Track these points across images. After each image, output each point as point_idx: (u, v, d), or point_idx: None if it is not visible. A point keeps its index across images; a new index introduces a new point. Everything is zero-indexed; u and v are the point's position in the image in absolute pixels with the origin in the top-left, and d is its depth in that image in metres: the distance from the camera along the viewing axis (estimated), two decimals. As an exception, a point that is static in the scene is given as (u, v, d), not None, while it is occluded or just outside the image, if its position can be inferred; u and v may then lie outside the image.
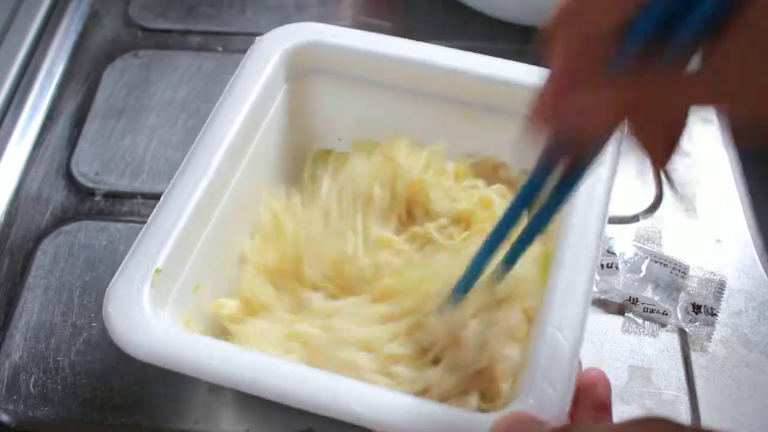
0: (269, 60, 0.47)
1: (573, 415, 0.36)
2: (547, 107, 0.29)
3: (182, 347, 0.36)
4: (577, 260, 0.39)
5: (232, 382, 0.36)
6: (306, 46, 0.49)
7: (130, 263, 0.39)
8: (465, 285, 0.40)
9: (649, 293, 0.52)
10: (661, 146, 0.30)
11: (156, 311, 0.38)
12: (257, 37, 0.49)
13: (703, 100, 0.26)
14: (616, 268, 0.52)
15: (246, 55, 0.48)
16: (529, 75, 0.47)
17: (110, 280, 0.38)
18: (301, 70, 0.50)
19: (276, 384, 0.35)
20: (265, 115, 0.48)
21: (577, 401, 0.36)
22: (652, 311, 0.51)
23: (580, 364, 0.37)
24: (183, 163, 0.43)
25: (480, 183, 0.49)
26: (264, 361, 0.36)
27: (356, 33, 0.49)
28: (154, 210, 0.41)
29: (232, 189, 0.45)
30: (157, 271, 0.39)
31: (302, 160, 0.53)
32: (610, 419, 0.38)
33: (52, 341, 0.50)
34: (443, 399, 0.39)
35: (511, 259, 0.39)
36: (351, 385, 0.35)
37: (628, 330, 0.51)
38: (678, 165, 0.60)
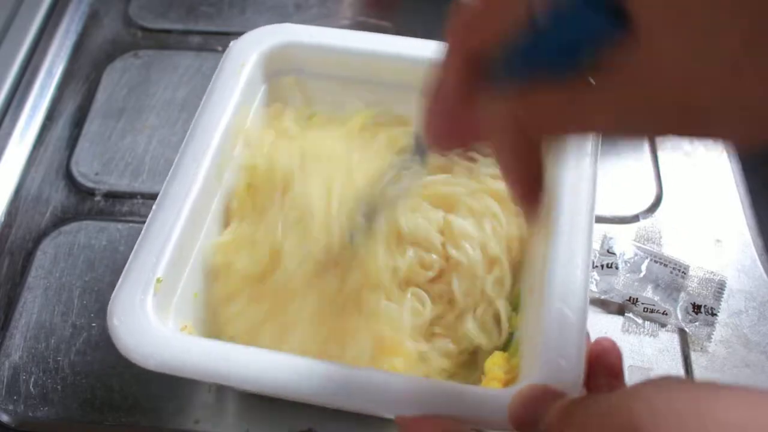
0: (246, 63, 0.48)
1: (588, 385, 0.37)
2: (439, 120, 0.30)
3: (193, 353, 0.36)
4: (573, 232, 0.40)
5: (247, 384, 0.36)
6: (281, 48, 0.49)
7: (131, 274, 0.39)
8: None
9: (649, 293, 0.52)
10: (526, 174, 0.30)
11: (161, 320, 0.38)
12: (232, 41, 0.49)
13: (591, 126, 0.26)
14: (616, 268, 0.52)
15: (222, 58, 0.48)
16: None
17: (110, 280, 0.39)
18: (277, 70, 0.50)
19: (290, 380, 0.35)
20: (246, 118, 0.48)
21: (590, 371, 0.37)
22: (652, 311, 0.51)
23: (588, 335, 0.37)
24: (171, 170, 0.42)
25: None
26: (278, 359, 0.36)
27: (331, 31, 0.50)
28: (148, 220, 0.41)
29: (219, 195, 0.45)
30: (158, 280, 0.39)
31: None
32: (624, 386, 0.38)
33: (52, 341, 0.50)
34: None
35: None
36: (363, 374, 0.36)
37: (628, 330, 0.51)
38: (678, 165, 0.60)
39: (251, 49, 0.48)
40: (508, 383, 0.40)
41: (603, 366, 0.37)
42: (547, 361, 0.36)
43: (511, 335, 0.44)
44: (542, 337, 0.36)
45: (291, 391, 0.35)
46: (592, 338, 0.39)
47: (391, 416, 0.35)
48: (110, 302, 0.38)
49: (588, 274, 0.39)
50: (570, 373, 0.35)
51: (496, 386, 0.40)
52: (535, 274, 0.42)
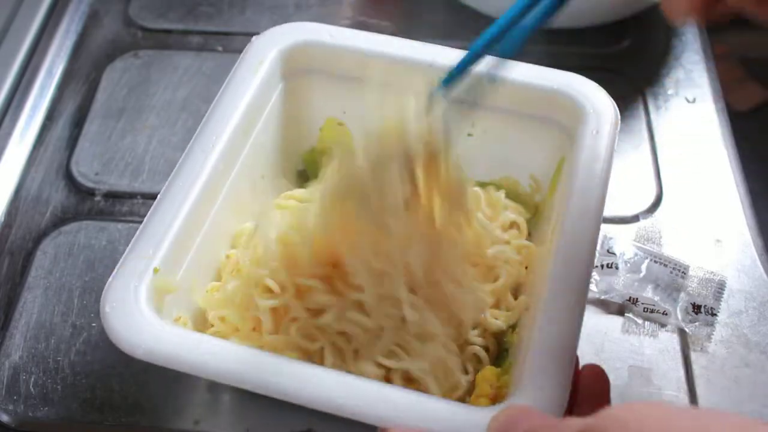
0: (265, 59, 0.48)
1: (572, 411, 0.36)
2: None
3: (181, 346, 0.36)
4: (573, 256, 0.39)
5: (233, 380, 0.36)
6: (301, 46, 0.49)
7: (127, 262, 0.39)
8: (452, 76, 0.39)
9: (649, 293, 0.52)
10: None
11: (154, 310, 0.38)
12: (253, 36, 0.49)
13: None
14: (616, 268, 0.52)
15: (242, 53, 0.48)
16: (527, 75, 0.47)
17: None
18: (296, 69, 0.50)
19: (278, 381, 0.35)
20: (260, 115, 0.48)
21: (575, 398, 0.36)
22: (652, 311, 0.51)
23: (578, 360, 0.37)
24: (179, 162, 0.43)
25: None
26: (266, 360, 0.36)
27: (351, 32, 0.49)
28: (151, 210, 0.41)
29: (227, 189, 0.45)
30: (155, 270, 0.39)
31: (296, 158, 0.53)
32: None
33: (52, 341, 0.50)
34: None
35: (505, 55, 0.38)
36: (351, 382, 0.35)
37: (628, 330, 0.51)
38: (678, 165, 0.60)
39: (271, 47, 0.48)
40: (496, 399, 0.39)
41: (590, 392, 0.37)
42: (534, 382, 0.35)
43: (506, 351, 0.44)
44: (531, 358, 0.36)
45: (276, 392, 0.35)
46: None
47: (375, 425, 0.35)
48: (104, 289, 0.38)
49: (585, 299, 0.38)
50: (554, 397, 0.35)
51: (483, 402, 0.39)
52: (532, 293, 0.42)
